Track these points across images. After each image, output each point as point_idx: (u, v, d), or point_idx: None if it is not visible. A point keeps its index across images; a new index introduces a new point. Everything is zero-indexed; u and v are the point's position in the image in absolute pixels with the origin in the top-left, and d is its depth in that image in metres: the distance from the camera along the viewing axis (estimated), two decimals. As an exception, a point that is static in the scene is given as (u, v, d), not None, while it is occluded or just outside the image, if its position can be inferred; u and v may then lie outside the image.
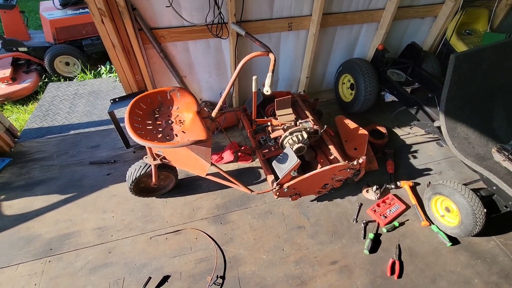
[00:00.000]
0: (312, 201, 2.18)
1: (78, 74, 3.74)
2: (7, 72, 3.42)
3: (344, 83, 2.98)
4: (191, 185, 2.27)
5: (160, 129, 1.69)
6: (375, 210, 2.10)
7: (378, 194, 2.18)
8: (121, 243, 1.91)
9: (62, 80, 3.72)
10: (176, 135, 1.66)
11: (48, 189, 2.21)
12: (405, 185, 2.27)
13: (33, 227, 1.97)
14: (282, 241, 1.95)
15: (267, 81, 1.46)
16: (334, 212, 2.12)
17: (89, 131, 2.77)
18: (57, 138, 2.66)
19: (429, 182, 2.31)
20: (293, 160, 1.81)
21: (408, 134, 2.77)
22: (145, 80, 2.34)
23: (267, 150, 2.11)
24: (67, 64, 3.76)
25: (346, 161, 1.94)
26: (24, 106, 3.34)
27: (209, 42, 2.37)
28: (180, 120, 1.76)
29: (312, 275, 1.78)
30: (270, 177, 1.95)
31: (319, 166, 2.11)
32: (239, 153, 2.43)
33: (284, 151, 1.90)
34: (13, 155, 2.47)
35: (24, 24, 3.79)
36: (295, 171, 2.02)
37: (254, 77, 1.77)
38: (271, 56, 1.57)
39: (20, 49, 3.62)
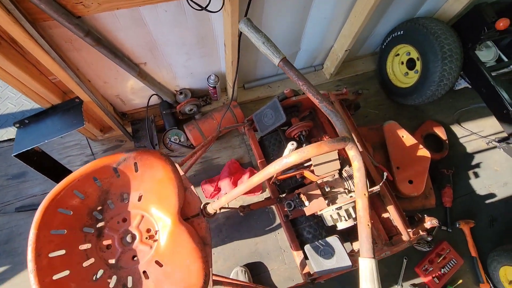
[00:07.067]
0: (345, 257, 1.64)
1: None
2: None
3: (398, 55, 1.94)
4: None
5: (112, 262, 0.88)
6: (426, 269, 1.63)
7: (432, 246, 1.66)
8: None
9: None
10: (146, 275, 0.87)
11: (-39, 261, 1.47)
12: (465, 226, 1.73)
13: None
14: (309, 324, 1.50)
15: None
16: (373, 273, 1.62)
17: (5, 145, 1.77)
18: (-47, 162, 1.69)
19: (491, 218, 1.79)
20: (343, 262, 1.14)
21: (470, 134, 2.03)
22: (67, 82, 1.25)
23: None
24: None
25: (412, 234, 1.30)
26: None
27: (183, 5, 1.19)
28: (148, 231, 0.92)
29: None
30: (299, 255, 1.32)
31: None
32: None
33: (329, 239, 1.19)
34: None
35: None
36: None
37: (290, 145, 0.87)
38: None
39: None
